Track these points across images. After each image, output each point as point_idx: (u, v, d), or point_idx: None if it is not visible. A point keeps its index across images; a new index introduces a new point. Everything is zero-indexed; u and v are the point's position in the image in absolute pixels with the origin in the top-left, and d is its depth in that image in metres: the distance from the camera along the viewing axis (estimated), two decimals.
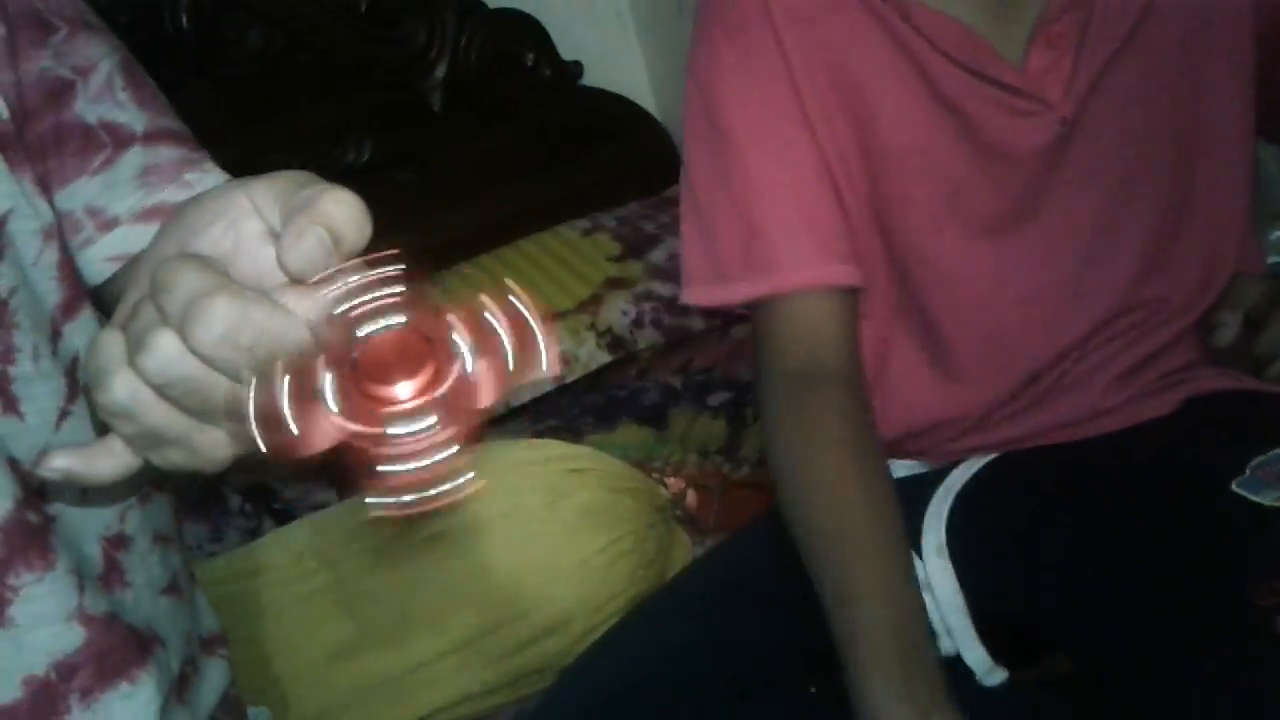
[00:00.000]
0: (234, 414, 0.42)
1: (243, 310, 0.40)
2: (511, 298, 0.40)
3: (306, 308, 0.41)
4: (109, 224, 0.69)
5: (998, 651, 0.85)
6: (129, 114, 0.70)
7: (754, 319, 0.92)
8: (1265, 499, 0.74)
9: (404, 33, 1.80)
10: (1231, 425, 0.84)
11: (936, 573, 0.85)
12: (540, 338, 0.40)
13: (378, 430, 0.38)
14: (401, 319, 0.39)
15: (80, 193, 0.69)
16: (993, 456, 0.91)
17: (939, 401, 0.91)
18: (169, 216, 0.48)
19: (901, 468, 0.95)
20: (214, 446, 0.44)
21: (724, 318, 1.61)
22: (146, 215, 0.69)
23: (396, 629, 1.01)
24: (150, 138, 0.70)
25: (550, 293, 1.63)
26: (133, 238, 0.69)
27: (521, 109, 1.89)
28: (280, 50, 1.71)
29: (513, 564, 1.02)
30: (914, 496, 0.89)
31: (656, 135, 1.98)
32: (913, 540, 0.87)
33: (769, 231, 0.87)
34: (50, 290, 0.67)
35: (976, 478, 0.89)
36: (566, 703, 0.89)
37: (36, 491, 0.65)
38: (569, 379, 1.56)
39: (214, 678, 0.79)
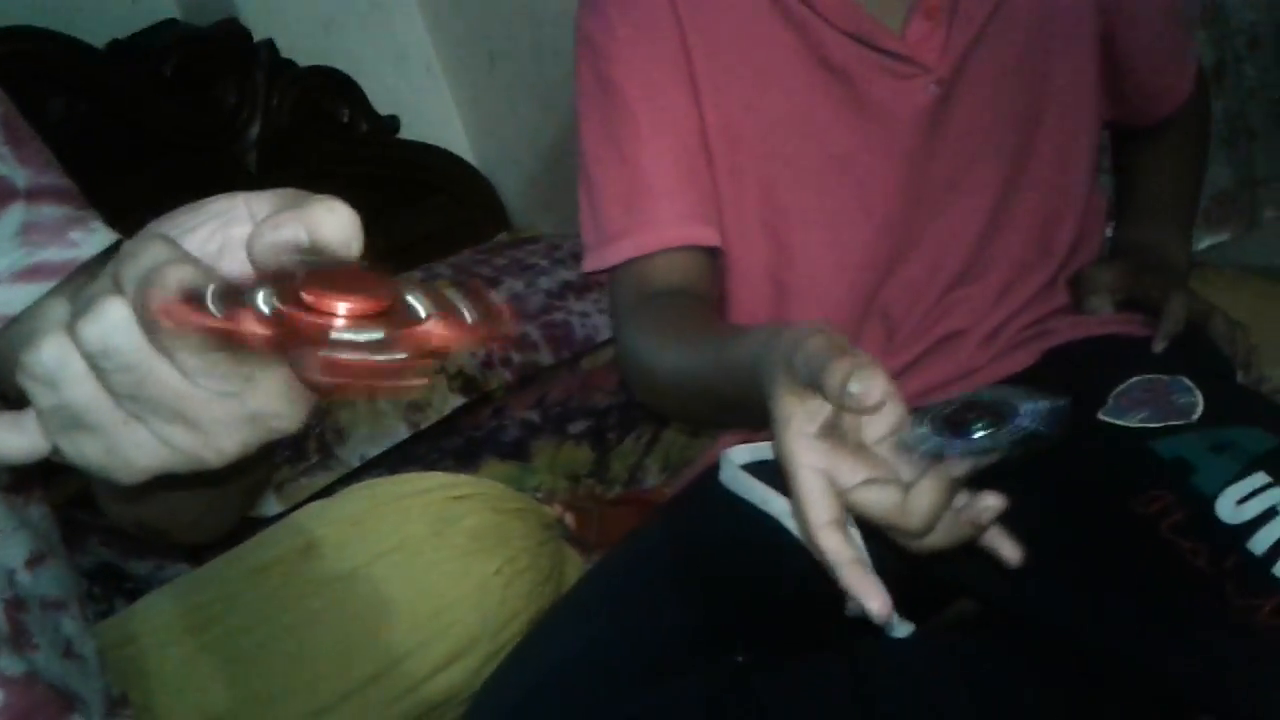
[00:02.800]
0: (173, 413, 0.39)
1: (204, 279, 0.37)
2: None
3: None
4: None
5: (906, 604, 0.88)
6: (9, 169, 0.66)
7: (618, 280, 0.94)
8: (1130, 421, 0.81)
9: (214, 95, 1.77)
10: (1090, 367, 0.91)
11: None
12: (495, 303, 0.39)
13: (323, 323, 0.36)
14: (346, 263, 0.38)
15: None
16: None
17: None
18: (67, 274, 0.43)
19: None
20: (135, 448, 0.40)
21: (573, 351, 1.63)
22: (27, 275, 0.65)
23: (293, 676, 0.97)
24: (33, 194, 0.67)
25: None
26: (12, 297, 0.64)
27: (340, 165, 1.87)
28: (84, 118, 1.65)
29: (408, 595, 1.00)
30: None
31: (479, 184, 2.01)
32: None
33: (654, 187, 0.91)
34: None
35: None
36: (490, 707, 0.88)
37: None
38: (423, 425, 1.55)
39: None
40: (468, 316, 0.38)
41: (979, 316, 0.95)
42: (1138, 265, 1.01)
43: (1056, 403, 0.53)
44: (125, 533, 1.42)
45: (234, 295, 0.37)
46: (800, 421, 0.57)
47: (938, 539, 0.60)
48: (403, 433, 1.53)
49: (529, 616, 1.02)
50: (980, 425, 0.55)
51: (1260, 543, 0.69)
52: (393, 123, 1.94)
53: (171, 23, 1.86)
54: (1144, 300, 0.98)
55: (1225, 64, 1.33)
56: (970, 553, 0.85)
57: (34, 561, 0.70)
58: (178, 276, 0.37)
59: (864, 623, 0.89)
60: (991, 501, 0.60)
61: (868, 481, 0.56)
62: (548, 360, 1.62)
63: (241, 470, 0.45)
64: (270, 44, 1.82)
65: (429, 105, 2.02)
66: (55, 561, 0.73)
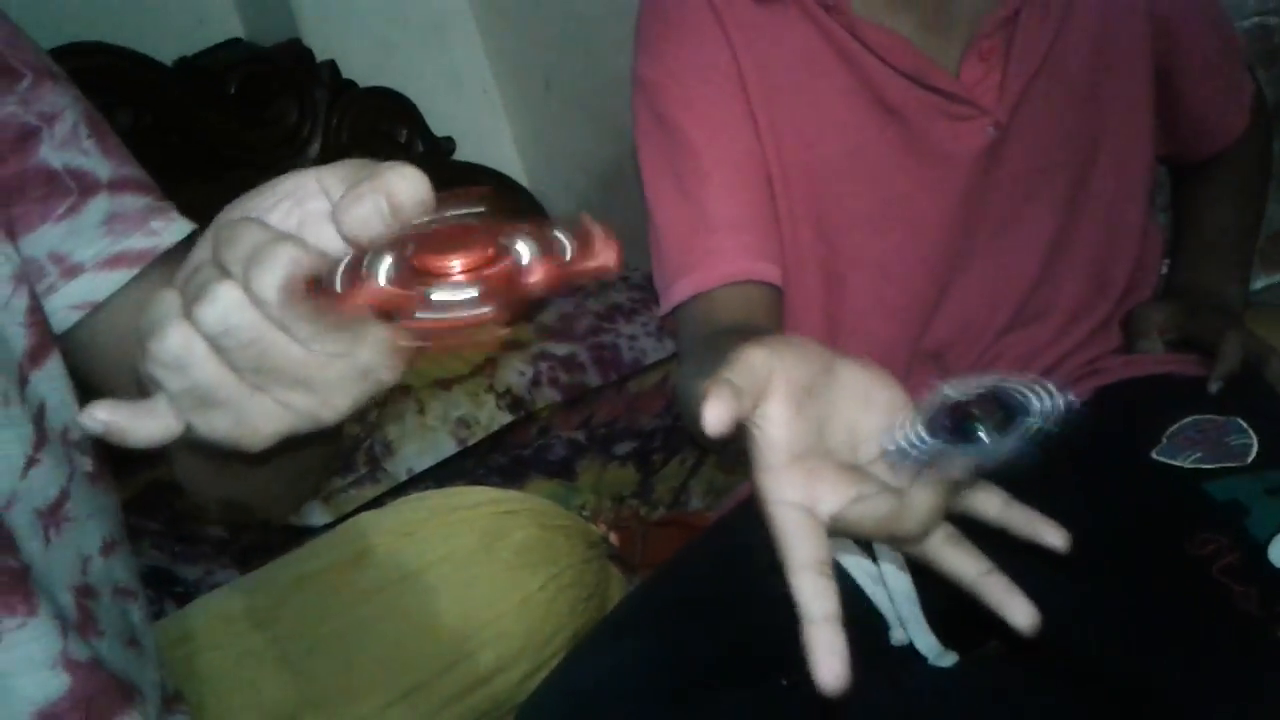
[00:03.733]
0: (293, 380, 0.42)
1: (306, 255, 0.40)
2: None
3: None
4: (73, 271, 0.68)
5: (950, 635, 0.89)
6: (94, 161, 0.70)
7: (682, 318, 0.92)
8: (1184, 461, 0.81)
9: (275, 112, 1.81)
10: (1143, 406, 0.91)
11: (889, 566, 0.89)
12: (600, 236, 0.40)
13: (417, 293, 0.38)
14: (464, 212, 0.40)
15: (45, 239, 0.67)
16: None
17: None
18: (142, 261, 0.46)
19: None
20: (261, 416, 0.43)
21: (620, 374, 1.64)
22: (111, 263, 0.68)
23: (341, 683, 0.98)
24: (115, 185, 0.70)
25: (444, 359, 1.63)
26: (97, 285, 0.68)
27: None
28: (149, 129, 1.69)
29: (455, 607, 1.01)
30: None
31: (531, 206, 2.03)
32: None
33: (716, 223, 0.90)
34: (18, 336, 0.65)
35: None
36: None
37: (7, 540, 0.63)
38: (470, 441, 1.57)
39: None
40: (568, 252, 0.40)
41: (1033, 358, 0.96)
42: (1191, 306, 1.00)
43: (1070, 398, 0.47)
44: (179, 536, 1.45)
45: (352, 268, 0.39)
46: (774, 454, 0.51)
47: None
48: (450, 448, 1.55)
49: (573, 632, 1.03)
50: (983, 427, 0.48)
51: None
52: (448, 144, 1.97)
53: (236, 42, 1.91)
54: (1198, 341, 0.97)
55: None
56: (1021, 584, 0.85)
57: (109, 548, 0.72)
58: (287, 254, 0.39)
59: (910, 651, 0.90)
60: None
61: (856, 499, 0.51)
62: (595, 381, 1.63)
63: (328, 437, 0.48)
64: (332, 65, 1.86)
65: (484, 128, 2.05)
66: (125, 549, 0.75)
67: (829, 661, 0.48)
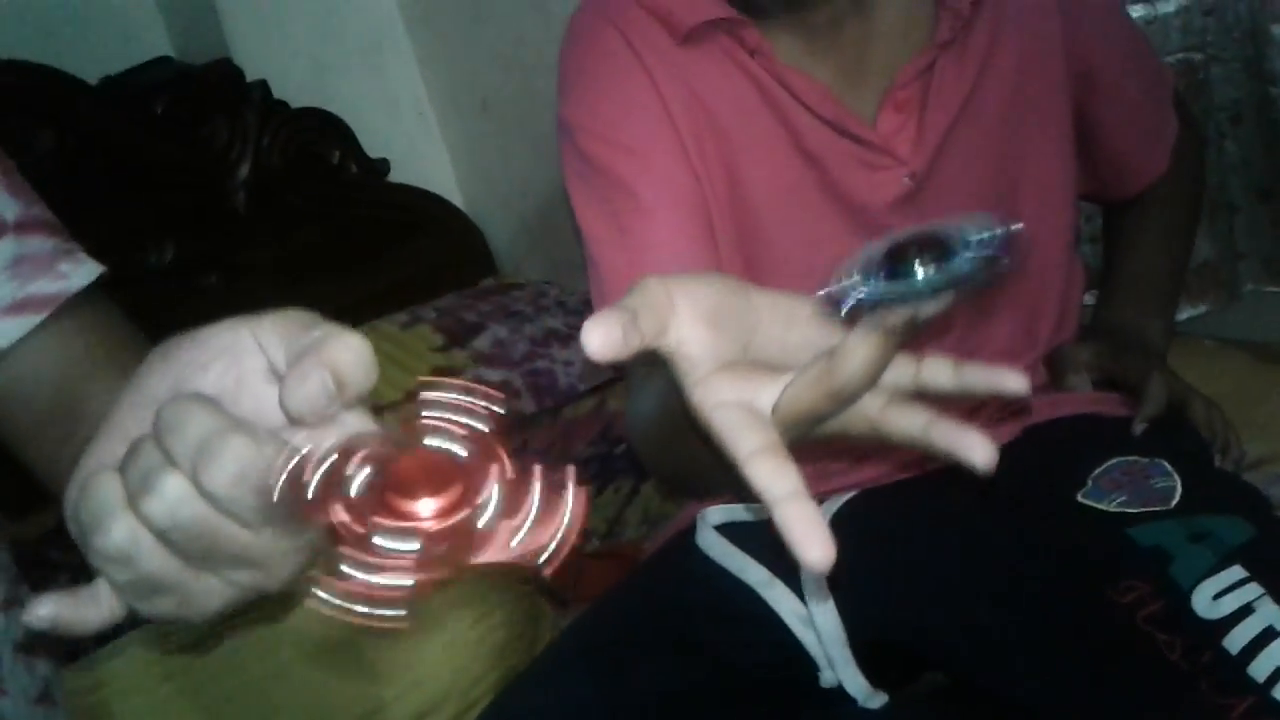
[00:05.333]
0: (240, 561, 0.41)
1: (258, 449, 0.39)
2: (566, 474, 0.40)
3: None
4: None
5: (879, 675, 0.88)
6: (0, 201, 0.67)
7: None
8: (1108, 505, 0.81)
9: (205, 133, 1.77)
10: (1068, 446, 0.91)
11: (819, 611, 0.88)
12: (565, 523, 0.39)
13: (365, 532, 0.37)
14: (451, 446, 0.39)
15: None
16: (851, 494, 0.95)
17: None
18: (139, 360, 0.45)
19: (755, 511, 0.98)
20: (206, 595, 0.42)
21: (555, 400, 1.63)
22: (17, 308, 0.66)
23: None
24: (22, 227, 0.67)
25: (375, 386, 1.60)
26: (2, 331, 0.66)
27: (329, 207, 1.87)
28: (72, 151, 1.65)
29: (379, 650, 0.99)
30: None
31: (467, 228, 2.01)
32: (790, 579, 0.91)
33: (660, 257, 0.87)
34: None
35: (839, 515, 0.93)
36: None
37: None
38: None
39: None
40: (534, 511, 0.39)
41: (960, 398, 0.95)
42: (1117, 345, 1.01)
43: (1010, 227, 0.44)
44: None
45: (329, 482, 0.38)
46: (699, 368, 0.48)
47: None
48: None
49: (500, 675, 1.01)
50: (921, 263, 0.44)
51: (1235, 641, 0.69)
52: (383, 165, 1.94)
53: (165, 60, 1.87)
54: (1122, 381, 0.98)
55: (1208, 139, 1.35)
56: (947, 625, 0.85)
57: (7, 605, 0.69)
58: (237, 449, 0.39)
59: (840, 693, 0.90)
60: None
61: (791, 381, 0.47)
62: (530, 408, 1.62)
63: None
64: (263, 84, 1.82)
65: (419, 149, 2.03)
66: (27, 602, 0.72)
67: (811, 536, 0.41)
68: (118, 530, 0.40)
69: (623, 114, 0.90)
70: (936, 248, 0.44)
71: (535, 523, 0.39)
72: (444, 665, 0.99)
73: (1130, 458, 0.86)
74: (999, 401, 0.97)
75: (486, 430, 0.40)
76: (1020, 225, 0.44)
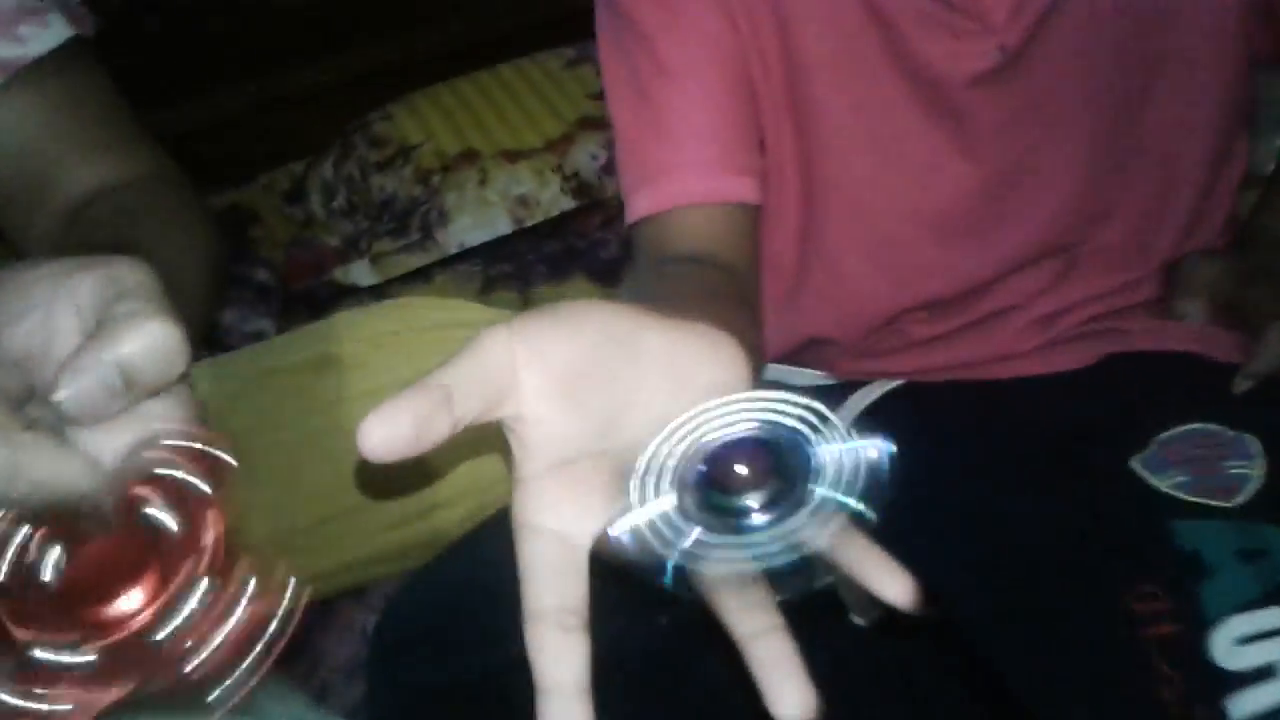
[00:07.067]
0: None
1: (14, 460, 0.35)
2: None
3: (106, 451, 0.36)
4: None
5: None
6: None
7: (634, 243, 0.80)
8: (1162, 482, 0.66)
9: None
10: (1144, 391, 0.75)
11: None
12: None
13: (20, 642, 0.31)
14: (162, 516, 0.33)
15: None
16: (897, 383, 0.84)
17: (826, 320, 0.84)
18: None
19: (803, 377, 0.88)
20: None
21: None
22: None
23: (281, 493, 0.98)
24: None
25: (519, 127, 1.54)
26: None
27: None
28: None
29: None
30: None
31: None
32: None
33: (674, 129, 0.76)
34: None
35: (877, 404, 0.82)
36: (444, 578, 0.87)
37: None
38: (527, 223, 1.49)
39: None
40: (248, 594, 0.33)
41: (1032, 296, 0.80)
42: (1253, 268, 0.80)
43: (883, 449, 0.34)
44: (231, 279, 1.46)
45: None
46: (531, 460, 0.40)
47: None
48: (505, 227, 1.49)
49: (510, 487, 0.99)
50: (756, 496, 0.35)
51: (1241, 706, 0.56)
52: None
53: None
54: (1247, 314, 0.78)
55: None
56: (955, 566, 0.75)
57: None
58: None
59: (832, 598, 0.82)
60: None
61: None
62: None
63: None
64: None
65: None
66: None
67: None
68: None
69: None
70: (774, 465, 0.34)
71: (254, 596, 0.33)
72: (466, 460, 0.98)
73: (1212, 426, 0.69)
74: (1085, 314, 0.81)
75: (205, 498, 0.33)
76: (891, 449, 0.33)
